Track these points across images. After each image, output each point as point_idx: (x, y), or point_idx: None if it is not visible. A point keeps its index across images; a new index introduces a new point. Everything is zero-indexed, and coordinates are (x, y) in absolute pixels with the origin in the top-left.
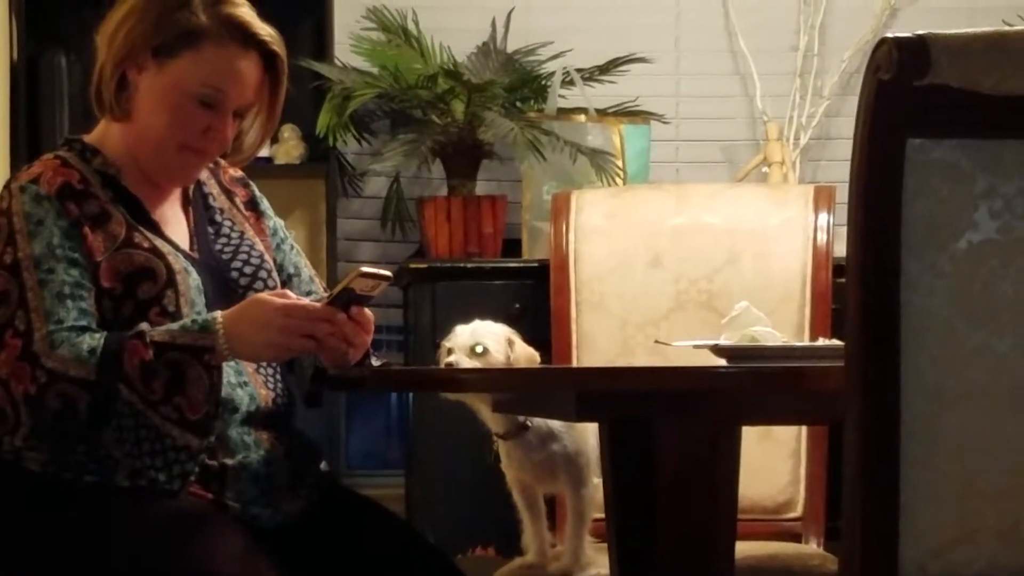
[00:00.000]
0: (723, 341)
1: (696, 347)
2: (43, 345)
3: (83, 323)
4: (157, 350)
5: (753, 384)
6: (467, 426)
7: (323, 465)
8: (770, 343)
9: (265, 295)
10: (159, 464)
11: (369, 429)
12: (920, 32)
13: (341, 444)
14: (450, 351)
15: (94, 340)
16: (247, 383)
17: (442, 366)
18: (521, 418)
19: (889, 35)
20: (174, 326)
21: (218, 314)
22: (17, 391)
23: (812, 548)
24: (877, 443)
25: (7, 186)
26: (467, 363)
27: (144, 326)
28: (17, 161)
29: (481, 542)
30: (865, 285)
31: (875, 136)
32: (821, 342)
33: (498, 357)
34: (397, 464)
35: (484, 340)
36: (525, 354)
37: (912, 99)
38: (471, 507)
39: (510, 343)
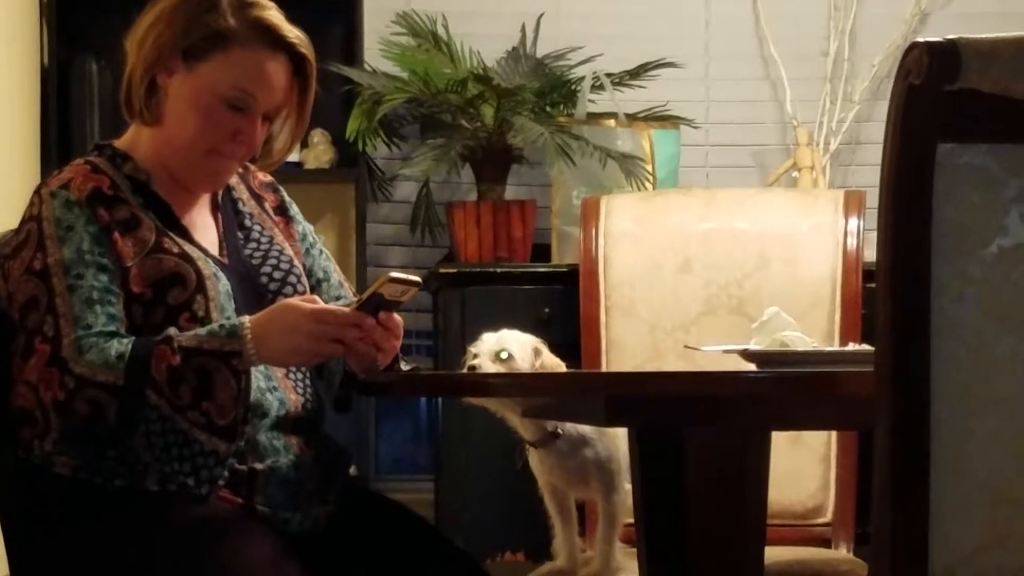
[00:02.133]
0: (753, 346)
1: (726, 352)
2: (71, 351)
3: (111, 328)
4: (185, 355)
5: (783, 389)
6: (496, 431)
7: (352, 470)
8: (800, 348)
9: (294, 300)
10: (188, 469)
11: (398, 434)
12: (951, 37)
13: (370, 449)
14: (475, 355)
15: (122, 345)
16: (277, 388)
17: (465, 370)
18: (551, 426)
19: (920, 40)
20: (202, 331)
21: (246, 319)
22: (46, 397)
23: (842, 553)
24: (907, 449)
25: (37, 191)
26: (490, 367)
27: (172, 331)
28: (48, 166)
29: (510, 547)
30: (895, 290)
31: (905, 141)
32: (851, 347)
33: (522, 364)
34: (426, 469)
35: (509, 346)
36: (551, 364)
37: (943, 104)
38: (500, 512)
39: (537, 352)
